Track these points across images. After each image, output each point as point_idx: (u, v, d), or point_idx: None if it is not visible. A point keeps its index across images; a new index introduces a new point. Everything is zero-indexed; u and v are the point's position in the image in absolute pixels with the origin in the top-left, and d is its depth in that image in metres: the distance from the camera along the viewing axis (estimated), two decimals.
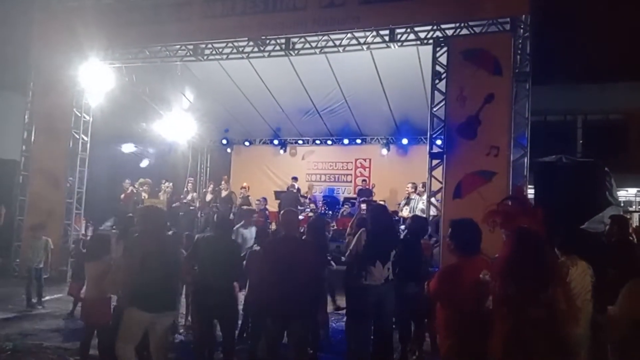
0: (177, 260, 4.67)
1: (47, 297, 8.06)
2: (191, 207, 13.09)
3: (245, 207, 12.37)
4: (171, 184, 13.00)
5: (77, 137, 10.31)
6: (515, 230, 3.10)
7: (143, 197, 12.05)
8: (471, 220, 3.54)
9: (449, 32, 8.00)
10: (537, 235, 3.04)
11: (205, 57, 9.67)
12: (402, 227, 9.71)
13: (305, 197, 13.69)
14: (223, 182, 13.51)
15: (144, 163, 13.96)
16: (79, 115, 10.34)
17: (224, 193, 13.04)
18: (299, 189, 13.71)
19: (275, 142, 15.61)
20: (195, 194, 13.82)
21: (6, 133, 12.67)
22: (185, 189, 13.59)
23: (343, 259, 5.76)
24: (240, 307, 5.63)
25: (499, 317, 2.98)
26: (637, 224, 13.85)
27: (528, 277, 2.91)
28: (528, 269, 2.94)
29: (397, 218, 10.57)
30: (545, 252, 3.06)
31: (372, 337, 5.10)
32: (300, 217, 10.23)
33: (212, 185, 14.15)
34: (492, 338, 2.96)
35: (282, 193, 12.51)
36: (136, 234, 4.71)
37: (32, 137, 10.43)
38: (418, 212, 10.37)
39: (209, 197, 13.48)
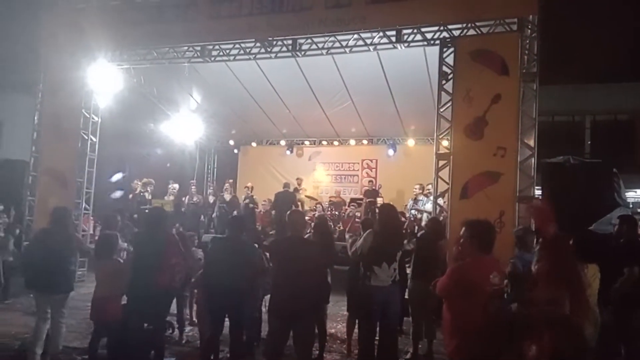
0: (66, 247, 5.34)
1: None
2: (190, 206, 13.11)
3: (250, 205, 12.43)
4: (177, 185, 13.02)
5: (86, 137, 10.37)
6: (552, 237, 3.13)
7: (148, 198, 12.08)
8: (489, 221, 3.58)
9: (456, 33, 7.97)
10: (569, 241, 3.08)
11: (212, 59, 9.71)
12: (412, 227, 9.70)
13: (314, 199, 13.65)
14: (227, 185, 13.52)
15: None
16: (88, 116, 10.40)
17: (227, 196, 13.06)
18: (296, 189, 13.64)
19: (282, 142, 15.66)
20: (200, 196, 13.81)
21: (15, 134, 12.80)
22: (190, 191, 13.62)
23: None
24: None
25: (534, 321, 2.99)
26: None
27: (568, 284, 2.94)
28: (567, 276, 2.96)
29: (404, 219, 10.54)
30: (575, 258, 3.09)
31: (376, 337, 5.12)
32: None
33: (212, 187, 14.23)
34: (522, 341, 2.98)
35: (279, 193, 12.49)
36: None
37: (41, 138, 10.51)
38: (425, 214, 10.41)
39: (211, 198, 13.53)
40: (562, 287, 2.95)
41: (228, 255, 4.89)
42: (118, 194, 12.47)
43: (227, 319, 5.00)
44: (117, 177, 13.30)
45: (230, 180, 14.16)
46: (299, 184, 13.82)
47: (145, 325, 4.98)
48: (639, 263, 4.90)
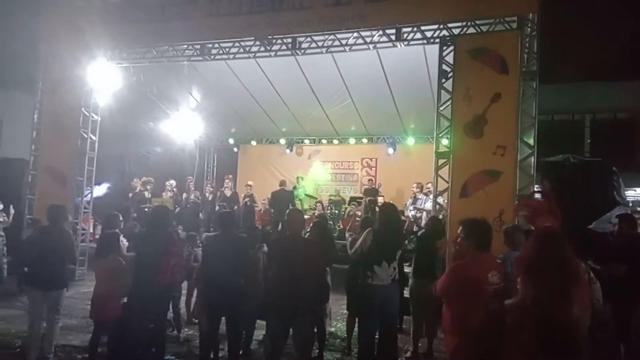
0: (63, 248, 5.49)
1: None
2: (189, 204, 13.08)
3: (249, 203, 12.41)
4: (174, 181, 12.97)
5: (86, 136, 10.36)
6: (538, 230, 3.10)
7: (148, 197, 12.06)
8: (485, 219, 3.58)
9: (456, 31, 7.96)
10: (560, 235, 3.04)
11: (212, 57, 9.68)
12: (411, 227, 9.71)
13: (314, 198, 13.63)
14: (227, 181, 13.47)
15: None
16: (87, 114, 10.39)
17: (228, 192, 13.02)
18: (294, 187, 13.62)
19: (282, 141, 15.66)
20: (197, 192, 13.76)
21: (15, 132, 12.79)
22: (187, 187, 13.58)
23: None
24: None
25: (518, 317, 2.96)
26: None
27: (552, 279, 2.91)
28: (551, 271, 2.93)
29: (403, 218, 10.54)
30: (567, 252, 3.05)
31: (376, 336, 5.12)
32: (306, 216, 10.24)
33: (210, 185, 14.16)
34: (507, 337, 2.95)
35: (276, 192, 12.46)
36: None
37: (41, 137, 10.50)
38: (425, 213, 10.40)
39: (210, 196, 13.47)
40: (547, 278, 2.92)
41: (224, 254, 4.86)
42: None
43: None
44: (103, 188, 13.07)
45: (230, 176, 14.05)
46: (298, 182, 13.77)
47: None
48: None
